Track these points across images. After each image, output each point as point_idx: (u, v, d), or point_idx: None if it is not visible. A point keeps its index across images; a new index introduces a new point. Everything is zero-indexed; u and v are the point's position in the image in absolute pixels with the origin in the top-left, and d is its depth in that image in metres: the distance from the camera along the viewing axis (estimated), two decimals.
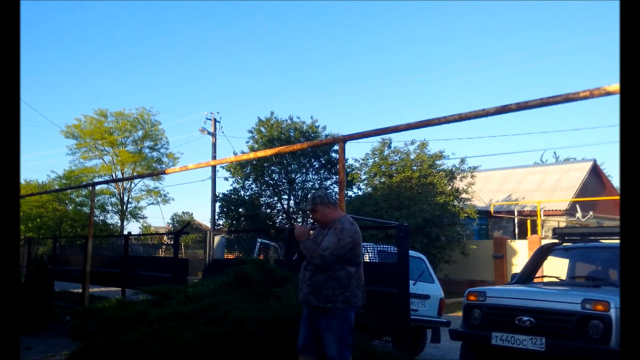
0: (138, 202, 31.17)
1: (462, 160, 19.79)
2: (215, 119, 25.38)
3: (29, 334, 8.43)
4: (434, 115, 6.06)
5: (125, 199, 30.22)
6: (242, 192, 21.45)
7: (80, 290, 10.03)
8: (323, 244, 3.97)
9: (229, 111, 75.62)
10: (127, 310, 5.66)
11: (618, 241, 6.18)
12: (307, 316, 4.08)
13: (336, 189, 20.41)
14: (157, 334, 4.66)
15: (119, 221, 29.83)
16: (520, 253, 18.87)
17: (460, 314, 6.76)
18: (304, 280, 4.07)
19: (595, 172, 25.97)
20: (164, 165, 29.97)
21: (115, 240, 16.83)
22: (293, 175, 20.92)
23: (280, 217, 21.60)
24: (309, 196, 4.39)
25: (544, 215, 22.05)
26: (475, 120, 4.65)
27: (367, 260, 7.15)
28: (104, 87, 57.83)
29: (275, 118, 21.29)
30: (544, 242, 13.90)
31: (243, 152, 21.35)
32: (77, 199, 29.32)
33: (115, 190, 29.69)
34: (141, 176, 29.11)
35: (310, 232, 4.31)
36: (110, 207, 30.07)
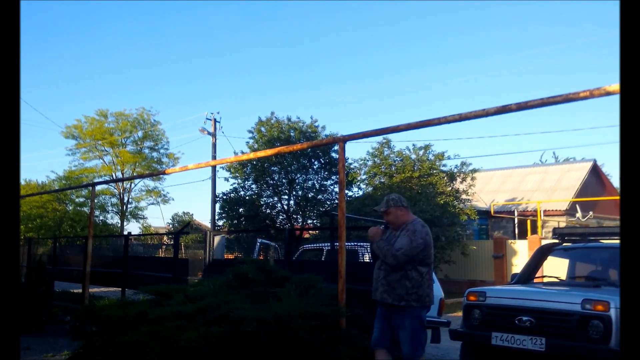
0: (138, 202, 31.18)
1: (463, 164, 19.81)
2: (215, 119, 25.39)
3: (29, 334, 8.43)
4: (434, 115, 6.06)
5: (126, 199, 30.22)
6: (242, 192, 21.44)
7: (80, 291, 10.03)
8: (396, 245, 4.21)
9: (229, 111, 75.69)
10: (127, 310, 5.65)
11: (618, 241, 6.18)
12: (381, 314, 4.35)
13: (336, 189, 20.41)
14: (157, 333, 4.65)
15: (119, 221, 29.82)
16: (520, 253, 18.86)
17: (460, 314, 6.76)
18: (379, 279, 4.33)
19: (595, 172, 25.97)
20: (164, 166, 29.97)
21: (115, 240, 16.82)
22: (293, 176, 20.91)
23: (281, 217, 21.59)
24: (384, 198, 4.68)
25: (544, 216, 22.05)
26: (475, 120, 4.65)
27: (368, 260, 7.16)
28: (104, 87, 57.91)
29: (275, 118, 21.30)
30: (544, 242, 13.89)
31: (243, 152, 21.35)
32: (77, 200, 29.31)
33: (116, 190, 29.68)
34: (141, 176, 29.11)
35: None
36: (110, 208, 30.08)
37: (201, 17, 64.57)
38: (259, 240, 13.13)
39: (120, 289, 10.26)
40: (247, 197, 21.18)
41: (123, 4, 58.04)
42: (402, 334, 4.14)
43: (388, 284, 4.21)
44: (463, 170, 19.62)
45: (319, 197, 20.74)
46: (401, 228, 4.32)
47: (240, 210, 21.17)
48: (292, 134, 20.88)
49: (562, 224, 20.43)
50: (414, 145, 19.90)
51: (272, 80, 68.88)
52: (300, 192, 21.10)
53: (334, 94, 66.38)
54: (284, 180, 21.11)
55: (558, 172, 25.50)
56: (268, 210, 21.54)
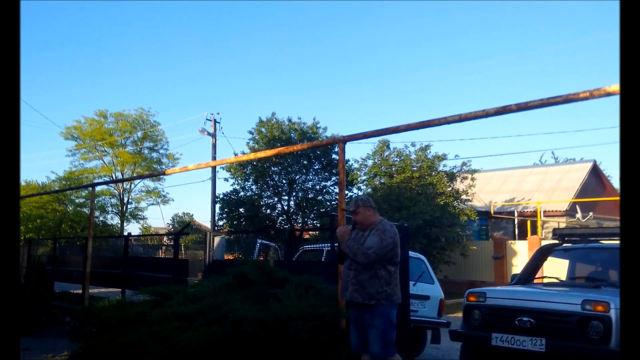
0: (138, 202, 31.16)
1: (464, 164, 19.83)
2: (215, 120, 25.39)
3: (29, 334, 8.42)
4: (434, 116, 6.07)
5: (125, 199, 30.22)
6: (242, 193, 21.45)
7: (80, 291, 10.02)
8: (367, 244, 4.25)
9: (229, 112, 75.74)
10: (127, 311, 5.65)
11: (618, 242, 6.18)
12: (354, 316, 4.35)
13: (336, 190, 20.41)
14: (157, 334, 4.65)
15: (119, 222, 29.82)
16: (520, 254, 18.87)
17: (460, 314, 6.75)
18: (348, 279, 4.33)
19: (595, 172, 25.97)
20: (164, 166, 29.95)
21: (115, 241, 16.84)
22: (293, 176, 20.91)
23: (281, 218, 21.59)
24: (352, 198, 4.75)
25: (544, 216, 22.05)
26: (475, 120, 4.65)
27: None
28: (104, 87, 57.91)
29: (276, 119, 21.30)
30: (544, 242, 13.90)
31: (243, 153, 21.35)
32: (77, 200, 29.29)
33: (115, 191, 29.68)
34: (141, 177, 29.12)
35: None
36: (110, 208, 30.06)
37: (201, 17, 64.67)
38: (259, 241, 13.12)
39: (120, 289, 10.26)
40: (247, 198, 21.18)
41: (123, 4, 58.13)
42: (372, 332, 4.17)
43: (358, 283, 4.24)
44: (463, 170, 19.63)
45: (319, 197, 20.76)
46: (370, 228, 4.36)
47: (241, 210, 21.17)
48: (292, 134, 20.89)
49: (562, 225, 20.43)
50: (412, 144, 19.90)
51: (272, 81, 68.98)
52: (300, 193, 21.11)
53: (334, 94, 66.46)
54: (284, 181, 21.12)
55: (558, 173, 25.50)
56: (268, 211, 21.54)
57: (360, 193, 21.34)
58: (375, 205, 4.55)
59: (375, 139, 20.08)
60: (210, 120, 25.36)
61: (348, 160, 21.49)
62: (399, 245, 4.36)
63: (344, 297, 4.41)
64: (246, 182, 21.48)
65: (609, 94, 3.54)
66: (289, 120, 21.25)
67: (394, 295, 4.26)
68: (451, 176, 19.21)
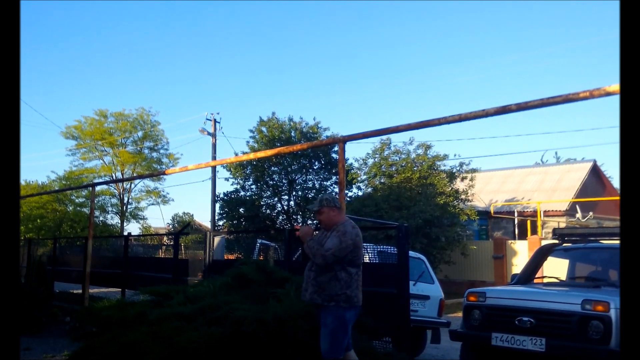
0: (138, 202, 31.16)
1: (462, 164, 19.81)
2: (215, 120, 25.39)
3: (29, 334, 8.42)
4: (434, 116, 6.07)
5: (126, 199, 30.22)
6: (242, 193, 21.45)
7: (80, 291, 10.03)
8: (326, 245, 4.18)
9: (229, 112, 75.72)
10: (127, 310, 5.65)
11: (618, 242, 6.18)
12: (318, 317, 4.28)
13: (336, 190, 20.41)
14: (157, 334, 4.65)
15: (119, 222, 29.82)
16: (520, 254, 18.87)
17: (460, 314, 6.76)
18: (309, 280, 4.28)
19: (595, 172, 25.97)
20: (164, 166, 29.95)
21: (115, 241, 16.83)
22: (293, 176, 20.91)
23: (281, 218, 21.60)
24: (317, 198, 4.66)
25: (544, 216, 22.05)
26: (475, 120, 4.66)
27: (367, 260, 7.15)
28: (104, 87, 57.91)
29: (276, 119, 21.30)
30: (544, 242, 13.90)
31: (243, 153, 21.35)
32: (77, 200, 29.30)
33: (116, 191, 29.68)
34: (141, 177, 29.09)
35: (314, 233, 4.48)
36: (110, 208, 30.06)
37: (201, 18, 64.66)
38: (259, 240, 13.14)
39: (120, 289, 10.26)
40: (247, 198, 21.18)
41: (123, 4, 58.12)
42: (322, 331, 4.14)
43: (318, 284, 4.19)
44: (462, 169, 19.63)
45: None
46: (332, 229, 4.30)
47: (241, 210, 21.18)
48: (292, 134, 20.90)
49: (562, 225, 20.43)
50: (411, 141, 19.81)
51: (272, 81, 68.97)
52: (300, 193, 21.11)
53: (334, 94, 66.46)
54: (284, 180, 21.12)
55: (558, 173, 25.50)
56: (268, 211, 21.55)
57: (360, 193, 21.35)
58: (340, 205, 4.49)
59: (376, 139, 20.08)
60: (210, 120, 25.37)
61: (347, 159, 21.48)
62: (361, 247, 4.29)
63: (304, 297, 4.35)
64: (246, 182, 21.49)
65: (609, 94, 3.54)
66: (290, 120, 21.25)
67: (354, 297, 4.18)
68: (451, 176, 19.21)
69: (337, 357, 4.05)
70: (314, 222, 20.86)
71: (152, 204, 31.60)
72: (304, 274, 4.39)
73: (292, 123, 21.11)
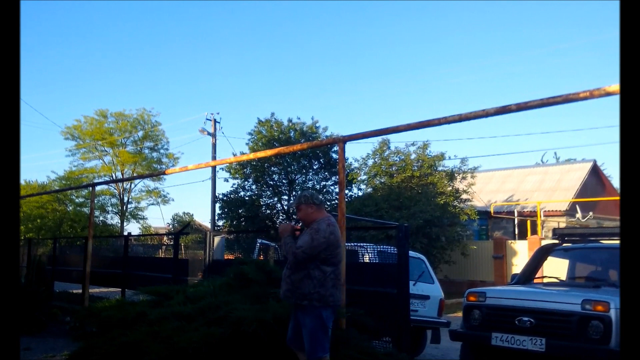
0: (138, 202, 31.20)
1: (463, 161, 19.82)
2: (215, 120, 25.40)
3: (29, 334, 8.42)
4: (434, 116, 6.07)
5: (126, 199, 30.23)
6: (242, 193, 21.45)
7: (80, 291, 10.03)
8: (298, 243, 4.15)
9: (229, 112, 75.63)
10: (127, 310, 5.64)
11: (618, 242, 6.18)
12: (293, 312, 4.30)
13: (336, 190, 20.41)
14: (157, 334, 4.65)
15: (119, 222, 29.83)
16: (520, 254, 18.87)
17: (460, 314, 6.76)
18: (285, 277, 4.26)
19: (595, 172, 25.97)
20: (164, 166, 29.98)
21: (115, 240, 16.85)
22: (293, 176, 20.91)
23: (280, 218, 21.60)
24: (297, 195, 4.53)
25: (544, 216, 22.06)
26: (475, 120, 4.65)
27: (367, 260, 7.16)
28: (104, 87, 57.88)
29: (275, 119, 21.31)
30: (544, 242, 13.91)
31: (243, 153, 21.36)
32: (77, 200, 29.33)
33: (116, 190, 29.69)
34: (141, 177, 29.12)
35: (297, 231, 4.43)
36: (110, 208, 30.11)
37: (201, 18, 64.65)
38: (259, 240, 13.13)
39: (120, 289, 10.26)
40: (247, 198, 21.18)
41: (123, 4, 58.11)
42: (304, 332, 4.11)
43: (292, 282, 4.14)
44: (462, 168, 19.63)
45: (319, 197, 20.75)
46: (309, 226, 4.24)
47: (240, 210, 21.18)
48: (292, 134, 20.90)
49: (562, 225, 20.43)
50: (412, 143, 19.88)
51: (272, 81, 68.94)
52: (300, 193, 21.08)
53: (334, 94, 66.46)
54: (283, 180, 21.12)
55: (558, 173, 25.50)
56: (268, 211, 21.55)
57: (360, 193, 21.35)
58: (320, 201, 4.40)
59: (375, 139, 20.09)
60: (210, 120, 25.38)
61: (347, 159, 21.49)
62: (337, 245, 4.18)
63: (280, 295, 4.34)
64: (246, 182, 21.49)
65: (609, 94, 3.54)
66: (289, 121, 21.25)
67: (329, 296, 4.09)
68: (451, 175, 19.21)
69: (320, 357, 4.01)
70: None
71: (152, 204, 31.68)
72: (283, 271, 4.34)
73: (290, 124, 21.12)
